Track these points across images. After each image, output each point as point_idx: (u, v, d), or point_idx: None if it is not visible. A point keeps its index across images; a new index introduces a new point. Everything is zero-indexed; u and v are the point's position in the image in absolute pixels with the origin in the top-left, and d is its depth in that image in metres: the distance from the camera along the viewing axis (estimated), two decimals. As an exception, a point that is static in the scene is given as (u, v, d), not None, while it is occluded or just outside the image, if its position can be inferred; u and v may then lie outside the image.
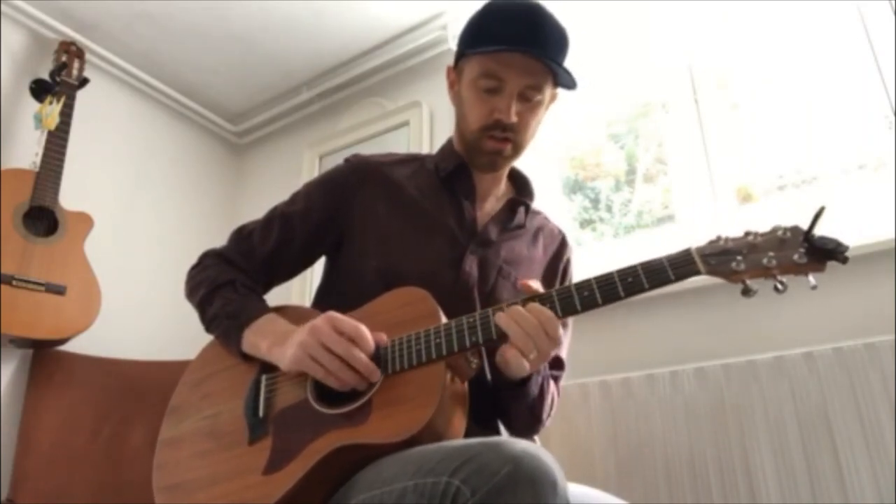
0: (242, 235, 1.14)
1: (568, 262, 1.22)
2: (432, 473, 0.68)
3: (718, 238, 0.81)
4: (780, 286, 0.76)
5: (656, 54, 1.94)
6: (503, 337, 0.86)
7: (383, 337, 0.89)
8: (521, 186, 1.20)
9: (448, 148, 1.18)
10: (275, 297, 1.14)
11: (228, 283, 1.05)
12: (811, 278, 0.76)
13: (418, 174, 1.15)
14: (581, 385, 1.56)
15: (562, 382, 1.13)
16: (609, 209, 2.04)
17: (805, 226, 0.77)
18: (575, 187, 2.12)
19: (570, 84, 1.06)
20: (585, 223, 2.06)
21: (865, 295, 1.36)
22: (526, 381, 0.98)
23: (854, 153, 1.66)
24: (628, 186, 2.04)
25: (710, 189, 1.76)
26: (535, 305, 0.84)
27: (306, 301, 1.83)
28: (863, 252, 1.39)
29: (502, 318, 0.85)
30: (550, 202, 2.03)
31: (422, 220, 1.08)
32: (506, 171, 1.18)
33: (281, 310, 1.05)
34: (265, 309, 1.02)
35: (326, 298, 1.10)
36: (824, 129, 1.72)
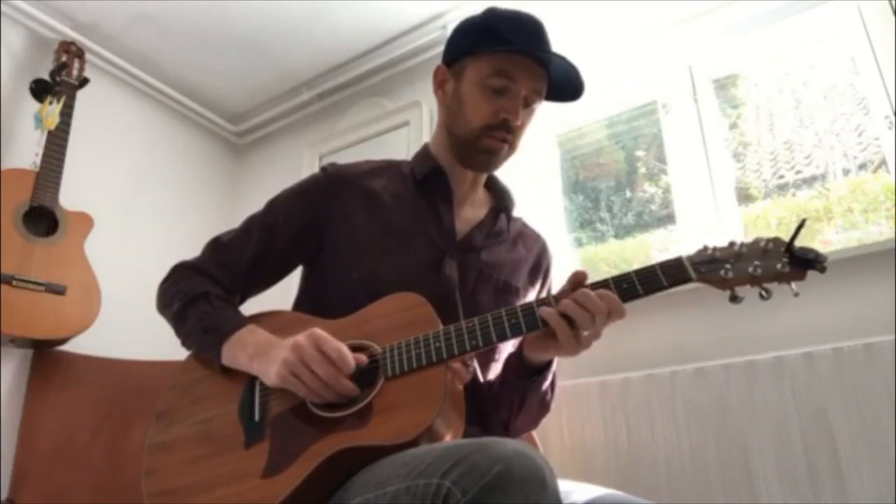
0: (218, 246, 1.13)
1: (549, 268, 1.23)
2: (424, 475, 0.68)
3: (706, 248, 0.86)
4: (764, 293, 0.82)
5: (656, 54, 1.94)
6: (503, 340, 0.89)
7: (363, 358, 0.89)
8: (500, 194, 1.21)
9: (423, 152, 1.18)
10: (260, 301, 1.14)
11: (202, 296, 1.03)
12: (793, 286, 0.81)
13: (394, 181, 1.15)
14: (581, 385, 1.55)
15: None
16: (609, 209, 2.04)
17: (789, 234, 0.82)
18: (575, 187, 2.12)
19: (575, 88, 1.08)
20: (585, 223, 2.06)
21: (865, 295, 1.36)
22: (547, 366, 1.01)
23: (854, 153, 1.67)
24: (628, 186, 2.04)
25: (710, 189, 1.76)
26: (603, 292, 0.86)
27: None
28: (863, 252, 1.39)
29: (567, 305, 0.86)
30: (550, 202, 2.03)
31: (399, 227, 1.08)
32: (483, 178, 1.19)
33: (260, 317, 1.04)
34: (242, 321, 1.01)
35: (308, 306, 1.09)
36: (824, 129, 1.73)
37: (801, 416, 1.28)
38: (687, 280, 0.84)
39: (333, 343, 0.87)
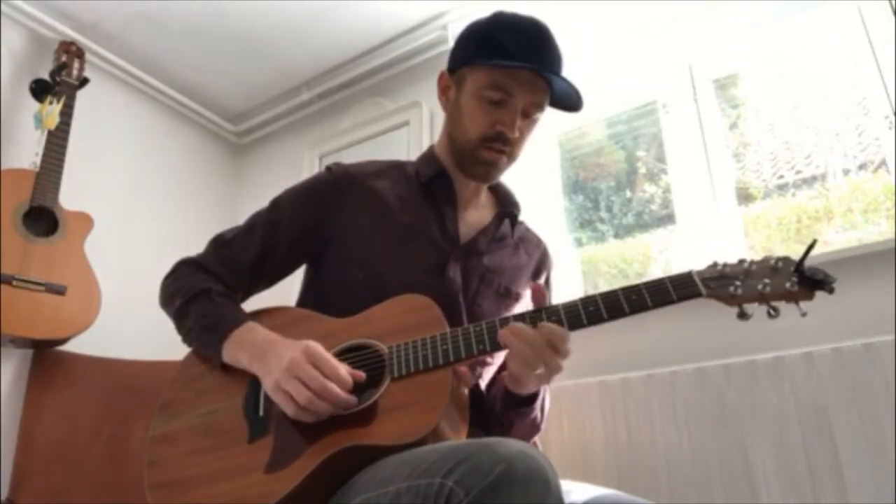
0: (221, 243, 1.12)
1: (549, 275, 1.22)
2: (426, 474, 0.68)
3: (716, 263, 0.87)
4: (772, 312, 0.83)
5: (656, 54, 1.94)
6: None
7: (361, 375, 0.88)
8: (505, 198, 1.20)
9: (429, 155, 1.18)
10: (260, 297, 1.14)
11: (203, 293, 1.03)
12: (801, 305, 0.83)
13: (399, 183, 1.14)
14: (581, 385, 1.55)
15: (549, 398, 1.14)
16: (609, 209, 2.04)
17: (794, 249, 0.83)
18: (575, 187, 2.12)
19: (574, 104, 1.07)
20: (585, 223, 2.07)
21: (865, 295, 1.36)
22: (532, 398, 1.00)
23: (854, 153, 1.67)
24: (628, 186, 2.04)
25: (710, 189, 1.76)
26: (545, 326, 0.86)
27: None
28: (863, 252, 1.39)
29: (503, 336, 0.86)
30: (550, 202, 2.03)
31: (404, 229, 1.08)
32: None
33: (264, 313, 1.04)
34: (242, 319, 1.00)
35: (312, 304, 1.09)
36: (824, 129, 1.73)
37: (801, 416, 1.28)
38: (697, 295, 0.85)
39: (330, 364, 0.86)
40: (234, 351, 0.96)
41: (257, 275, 1.11)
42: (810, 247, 0.82)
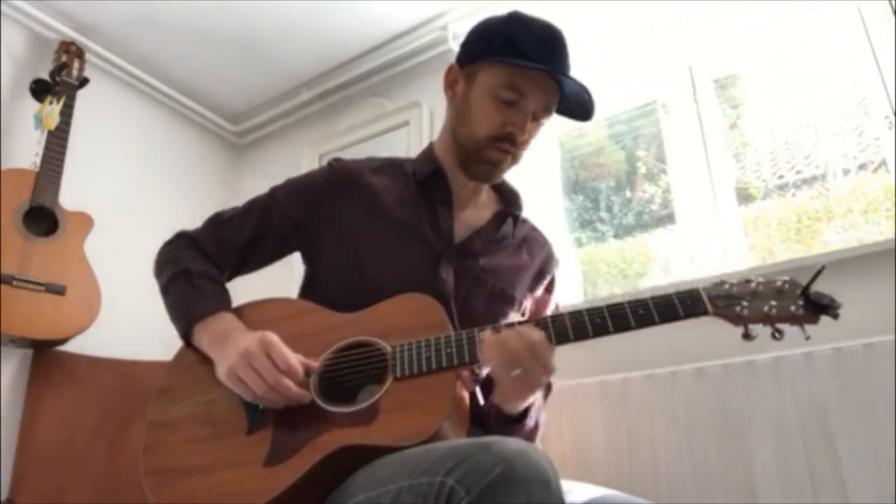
0: (218, 222, 1.14)
1: (553, 277, 1.20)
2: (427, 473, 0.68)
3: (723, 282, 0.86)
4: (777, 334, 0.83)
5: (657, 54, 1.94)
6: None
7: (313, 364, 0.90)
8: (508, 198, 1.18)
9: (427, 152, 1.17)
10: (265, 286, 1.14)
11: (184, 274, 1.05)
12: (805, 329, 0.82)
13: (397, 181, 1.14)
14: (581, 385, 1.55)
15: (548, 400, 1.14)
16: (609, 209, 2.04)
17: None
18: (575, 187, 2.12)
19: (586, 112, 1.06)
20: (585, 223, 2.07)
21: (865, 295, 1.35)
22: (523, 416, 0.99)
23: (854, 153, 1.67)
24: (628, 186, 2.04)
25: (710, 189, 1.76)
26: (523, 328, 0.87)
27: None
28: (863, 252, 1.39)
29: (487, 339, 0.87)
30: (550, 202, 2.03)
31: (399, 228, 1.07)
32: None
33: (269, 303, 1.06)
34: (213, 309, 1.01)
35: (314, 293, 1.09)
36: (824, 129, 1.73)
37: (801, 416, 1.28)
38: (703, 313, 0.85)
39: (282, 354, 0.88)
40: (200, 335, 0.99)
41: (245, 258, 1.13)
42: (818, 272, 0.81)
